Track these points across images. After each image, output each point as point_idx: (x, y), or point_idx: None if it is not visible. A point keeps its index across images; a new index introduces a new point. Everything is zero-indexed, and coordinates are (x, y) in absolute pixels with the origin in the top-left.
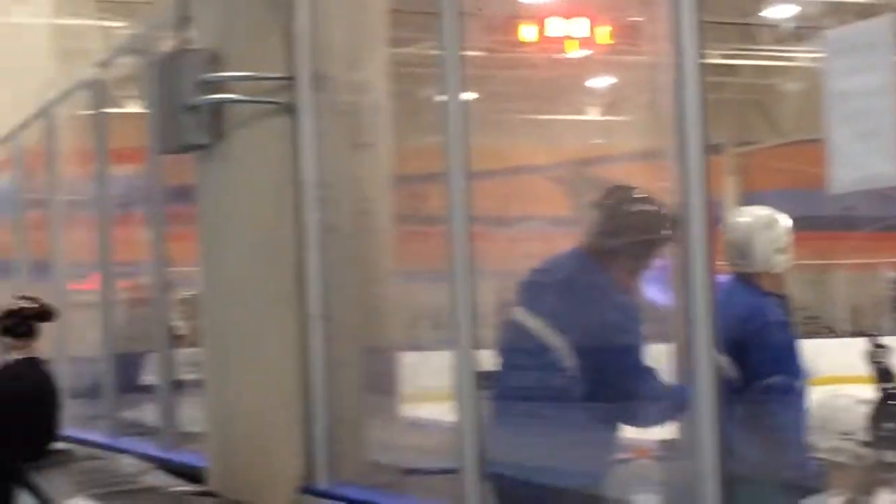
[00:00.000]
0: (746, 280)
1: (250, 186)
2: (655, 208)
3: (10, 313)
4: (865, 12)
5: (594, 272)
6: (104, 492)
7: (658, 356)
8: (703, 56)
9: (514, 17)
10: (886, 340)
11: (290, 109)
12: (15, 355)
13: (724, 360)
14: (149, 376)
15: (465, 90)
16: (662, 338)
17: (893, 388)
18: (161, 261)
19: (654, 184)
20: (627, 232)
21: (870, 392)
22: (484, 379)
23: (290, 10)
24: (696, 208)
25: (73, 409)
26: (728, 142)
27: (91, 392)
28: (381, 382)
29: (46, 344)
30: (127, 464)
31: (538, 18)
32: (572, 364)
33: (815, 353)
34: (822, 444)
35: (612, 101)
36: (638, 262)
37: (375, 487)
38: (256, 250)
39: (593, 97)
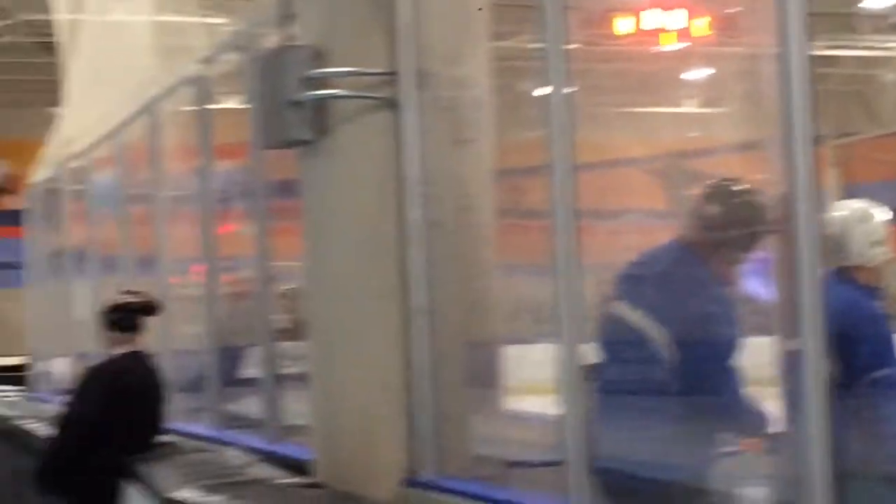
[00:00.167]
0: (843, 274)
1: (354, 182)
2: (757, 200)
3: (116, 308)
4: None
5: (693, 265)
6: (212, 483)
7: (758, 349)
8: (810, 47)
9: (612, 10)
10: None
11: (392, 105)
12: (120, 349)
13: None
14: (249, 370)
15: (568, 84)
16: (762, 331)
17: None
18: (264, 255)
19: (753, 176)
20: (729, 224)
21: None
22: (587, 372)
23: (392, 6)
24: (803, 200)
25: (177, 402)
26: (829, 133)
27: (195, 385)
28: (483, 376)
29: (151, 338)
30: (232, 456)
31: (635, 11)
32: (673, 357)
33: None
34: None
35: (709, 92)
36: (737, 254)
37: (479, 480)
38: (360, 246)
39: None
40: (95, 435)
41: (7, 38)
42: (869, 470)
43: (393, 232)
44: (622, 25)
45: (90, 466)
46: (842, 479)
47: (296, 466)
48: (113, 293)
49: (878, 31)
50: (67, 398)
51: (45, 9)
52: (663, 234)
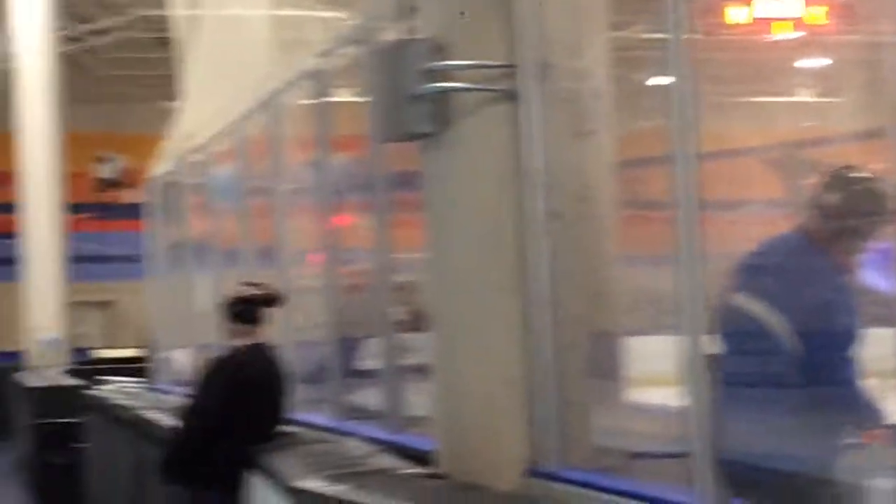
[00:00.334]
0: None
1: (475, 174)
2: (878, 188)
3: (238, 300)
4: None
5: (813, 254)
6: (336, 473)
7: (879, 341)
8: None
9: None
10: None
11: (512, 97)
12: (242, 341)
13: None
14: (365, 361)
15: (691, 73)
16: (883, 322)
17: None
18: (383, 247)
19: (874, 164)
20: (848, 213)
21: None
22: (709, 363)
23: None
24: None
25: (298, 392)
26: None
27: (314, 376)
28: (605, 367)
29: (273, 329)
30: (353, 446)
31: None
32: (794, 347)
33: None
34: None
35: (826, 81)
36: (857, 243)
37: (601, 471)
38: (481, 238)
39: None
40: (219, 427)
41: (123, 34)
42: None
43: (513, 224)
44: (736, 14)
45: (214, 457)
46: None
47: (416, 457)
48: (234, 285)
49: None
50: (190, 390)
51: (160, 5)
52: (782, 224)
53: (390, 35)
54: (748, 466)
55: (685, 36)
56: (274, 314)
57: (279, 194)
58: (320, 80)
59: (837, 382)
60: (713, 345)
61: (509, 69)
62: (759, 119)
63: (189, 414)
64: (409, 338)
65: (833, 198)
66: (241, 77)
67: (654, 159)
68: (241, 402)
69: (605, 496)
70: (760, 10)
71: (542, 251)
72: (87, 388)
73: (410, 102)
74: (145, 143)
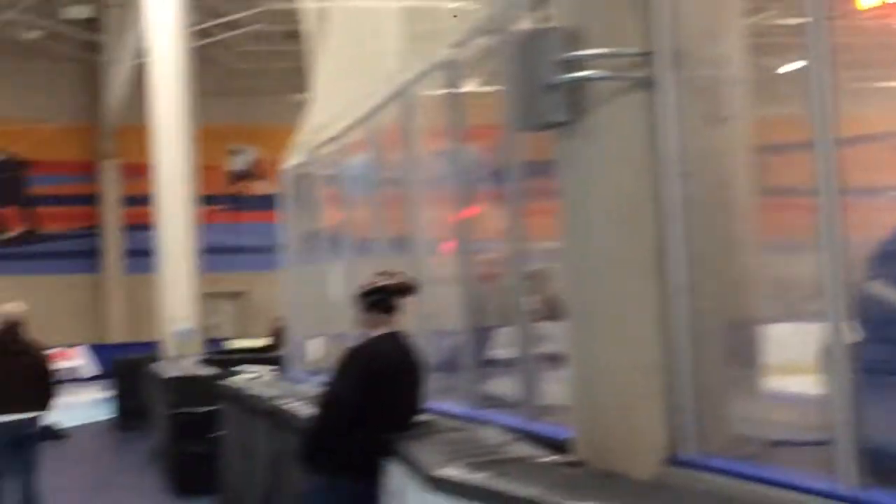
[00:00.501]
0: None
1: (611, 162)
2: None
3: (373, 289)
4: None
5: None
6: (475, 462)
7: None
8: None
9: None
10: None
11: (647, 84)
12: (377, 331)
13: None
14: (497, 350)
15: (830, 58)
16: None
17: None
18: (518, 236)
19: None
20: None
21: None
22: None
23: None
24: None
25: (432, 381)
26: None
27: (448, 365)
28: (743, 355)
29: (407, 319)
30: (489, 434)
31: None
32: None
33: None
34: None
35: None
36: None
37: (741, 459)
38: (618, 225)
39: None
40: (355, 416)
41: (253, 27)
42: None
43: (651, 211)
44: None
45: (350, 446)
46: None
47: (552, 445)
48: (367, 275)
49: None
50: (327, 379)
51: None
52: None
53: (524, 25)
54: (889, 455)
55: (825, 21)
56: (408, 303)
57: (412, 184)
58: (453, 71)
59: None
60: (853, 332)
61: (645, 57)
62: (891, 104)
63: (325, 403)
64: (543, 327)
65: None
66: (373, 69)
67: (791, 145)
68: (377, 392)
69: (747, 484)
70: None
71: (680, 238)
72: (222, 377)
73: (545, 92)
74: (275, 135)
